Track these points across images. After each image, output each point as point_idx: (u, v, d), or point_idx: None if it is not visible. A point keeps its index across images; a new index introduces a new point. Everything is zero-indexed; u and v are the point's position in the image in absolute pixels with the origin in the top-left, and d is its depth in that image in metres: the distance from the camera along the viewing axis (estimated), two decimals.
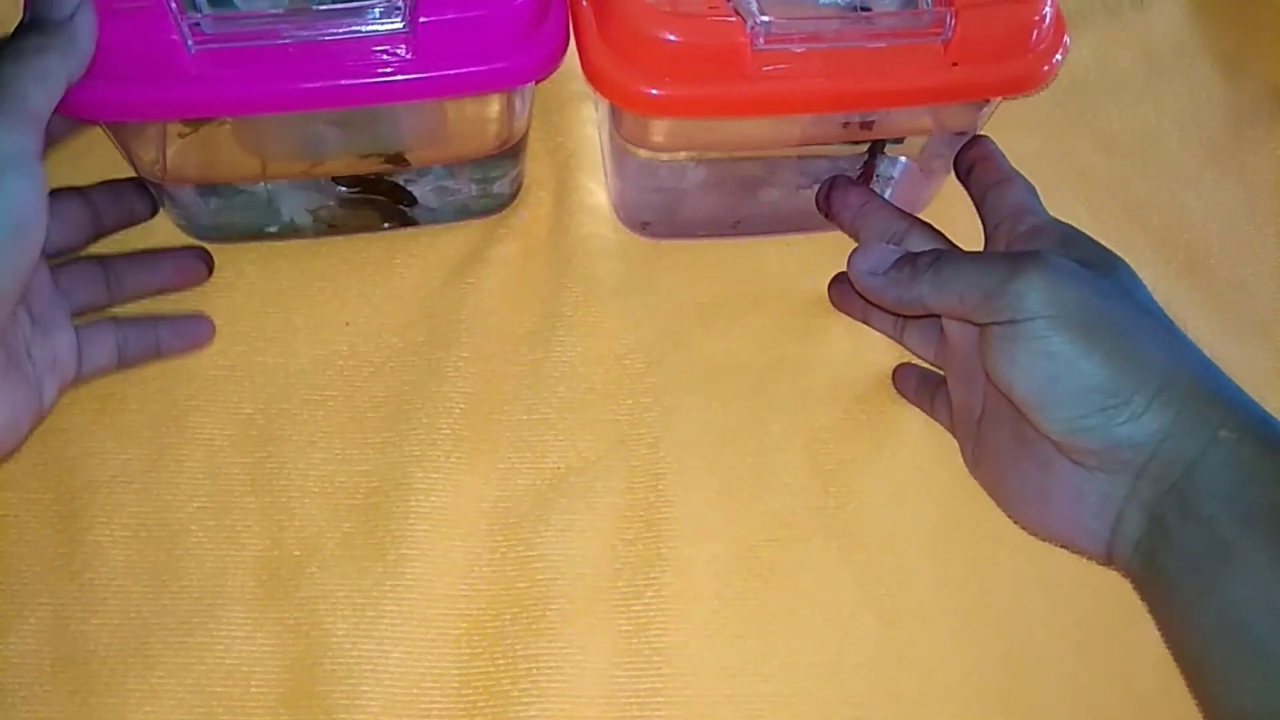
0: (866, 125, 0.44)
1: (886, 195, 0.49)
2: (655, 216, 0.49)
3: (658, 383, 0.45)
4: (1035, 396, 0.35)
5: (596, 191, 0.50)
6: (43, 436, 0.43)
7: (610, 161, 0.48)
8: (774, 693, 0.40)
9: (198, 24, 0.37)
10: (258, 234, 0.47)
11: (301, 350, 0.45)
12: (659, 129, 0.44)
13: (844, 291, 0.47)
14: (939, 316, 0.42)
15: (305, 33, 0.37)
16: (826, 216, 0.46)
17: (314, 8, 0.38)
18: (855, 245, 0.42)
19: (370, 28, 0.38)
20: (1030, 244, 0.39)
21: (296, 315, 0.46)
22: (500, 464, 0.43)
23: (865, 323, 0.47)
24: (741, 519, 0.43)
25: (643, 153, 0.45)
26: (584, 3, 0.41)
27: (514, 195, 0.49)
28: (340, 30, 0.38)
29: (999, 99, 0.43)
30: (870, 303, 0.42)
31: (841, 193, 0.45)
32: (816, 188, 0.46)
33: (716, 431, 0.45)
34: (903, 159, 0.48)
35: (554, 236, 0.48)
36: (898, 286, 0.39)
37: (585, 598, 0.41)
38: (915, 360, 0.46)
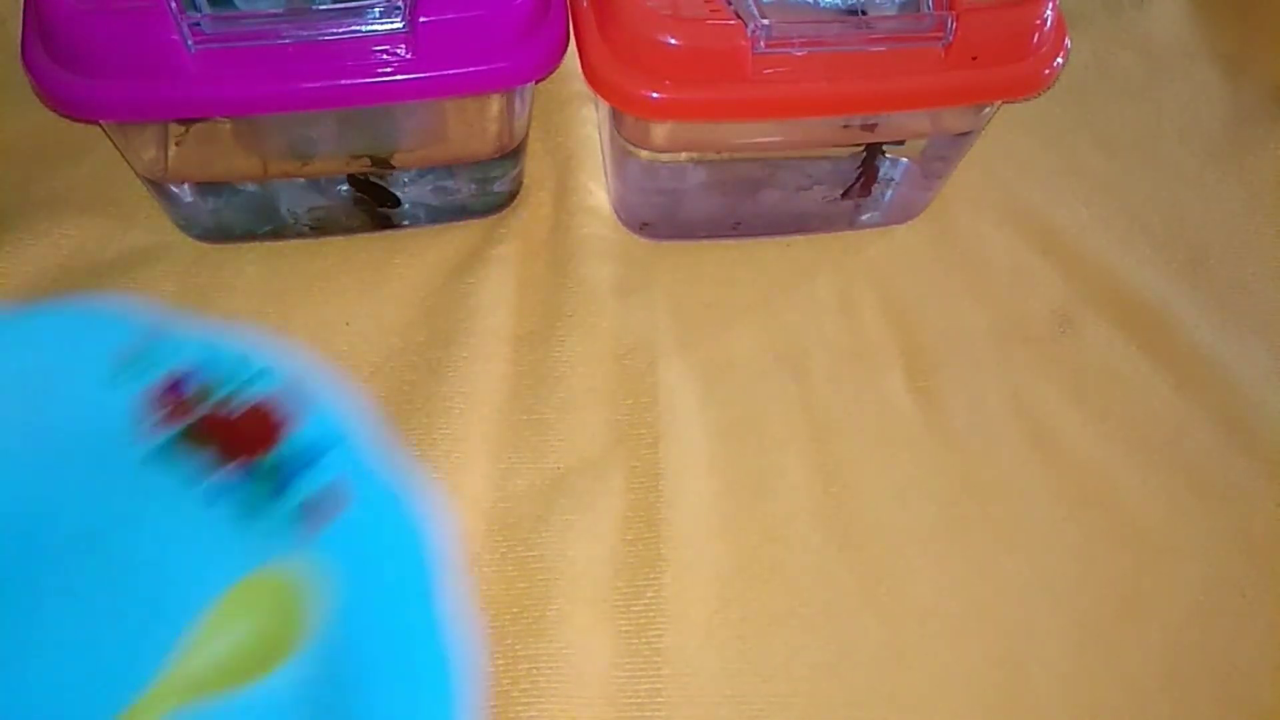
0: (868, 128, 0.44)
1: (888, 197, 0.49)
2: (655, 217, 0.49)
3: (658, 383, 0.45)
4: None
5: (596, 191, 0.50)
6: None
7: (610, 162, 0.48)
8: (774, 693, 0.40)
9: (198, 24, 0.37)
10: (257, 234, 0.47)
11: (301, 350, 0.45)
12: (660, 130, 0.44)
13: None
14: None
15: (305, 33, 0.37)
16: None
17: (314, 8, 0.38)
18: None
19: (370, 28, 0.38)
20: None
21: (296, 315, 0.46)
22: (500, 464, 0.43)
23: None
24: (741, 519, 0.43)
25: (643, 153, 0.45)
26: (585, 5, 0.41)
27: (514, 195, 0.49)
28: (340, 30, 0.38)
29: (1000, 101, 0.43)
30: None
31: None
32: (816, 189, 0.46)
33: (716, 431, 0.45)
34: (904, 160, 0.48)
35: (554, 236, 0.48)
36: None
37: (585, 598, 0.41)
38: None
